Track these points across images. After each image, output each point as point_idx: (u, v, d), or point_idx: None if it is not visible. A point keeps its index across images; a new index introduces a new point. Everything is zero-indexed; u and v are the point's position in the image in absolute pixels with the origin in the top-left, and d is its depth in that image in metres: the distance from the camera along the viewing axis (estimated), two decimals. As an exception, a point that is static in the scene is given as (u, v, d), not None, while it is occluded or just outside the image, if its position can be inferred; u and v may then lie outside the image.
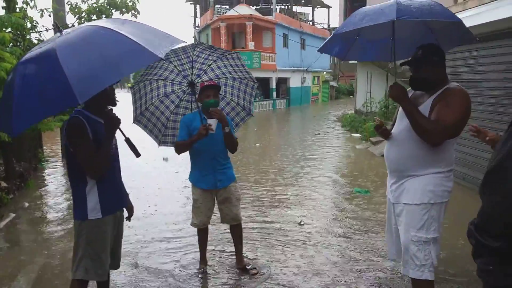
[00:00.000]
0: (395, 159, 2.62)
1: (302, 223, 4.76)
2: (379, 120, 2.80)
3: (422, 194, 2.47)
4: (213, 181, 3.39)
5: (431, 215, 2.47)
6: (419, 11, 2.43)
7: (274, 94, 28.76)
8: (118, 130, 2.44)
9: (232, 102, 3.75)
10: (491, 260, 1.39)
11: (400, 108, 2.67)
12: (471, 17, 5.62)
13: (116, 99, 2.49)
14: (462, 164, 6.30)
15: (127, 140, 2.50)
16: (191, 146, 3.29)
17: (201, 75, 3.60)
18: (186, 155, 3.48)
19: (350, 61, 27.62)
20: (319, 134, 13.78)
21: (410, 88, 2.70)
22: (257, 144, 11.39)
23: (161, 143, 3.73)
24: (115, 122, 2.38)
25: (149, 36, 2.17)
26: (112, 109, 2.43)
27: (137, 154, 2.54)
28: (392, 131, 2.71)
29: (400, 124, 2.62)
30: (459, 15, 5.92)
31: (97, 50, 1.96)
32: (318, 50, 3.23)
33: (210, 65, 3.57)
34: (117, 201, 2.55)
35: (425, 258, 2.45)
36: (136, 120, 3.62)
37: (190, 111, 3.68)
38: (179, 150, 3.38)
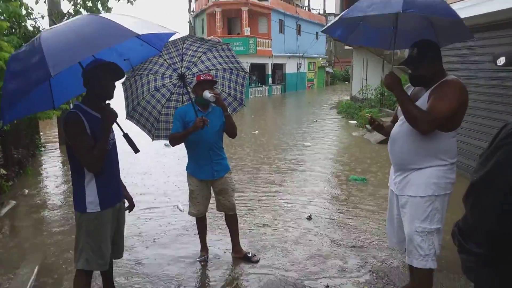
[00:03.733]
0: (399, 152, 2.67)
1: (310, 217, 4.71)
2: (369, 116, 2.86)
3: (426, 187, 2.53)
4: (210, 172, 3.45)
5: (434, 206, 2.53)
6: (424, 5, 2.46)
7: (270, 80, 28.67)
8: (116, 125, 2.47)
9: (224, 93, 3.77)
10: (474, 260, 1.45)
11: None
12: (468, 8, 5.63)
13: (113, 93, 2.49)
14: (457, 153, 6.39)
15: (126, 136, 2.54)
16: (186, 138, 3.33)
17: (191, 67, 3.61)
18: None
19: (346, 47, 27.50)
20: (316, 121, 13.85)
21: (409, 84, 2.75)
22: (255, 132, 11.43)
23: (154, 137, 3.73)
24: (112, 116, 2.40)
25: (136, 21, 2.25)
26: (109, 104, 2.45)
27: (136, 150, 2.57)
28: (394, 126, 2.76)
29: (401, 120, 2.67)
30: (456, 5, 5.98)
31: (75, 31, 2.09)
32: (321, 31, 3.30)
33: (200, 57, 3.59)
34: (115, 194, 2.59)
35: (429, 248, 2.53)
36: (129, 116, 3.62)
37: (182, 104, 3.69)
38: (174, 142, 3.42)
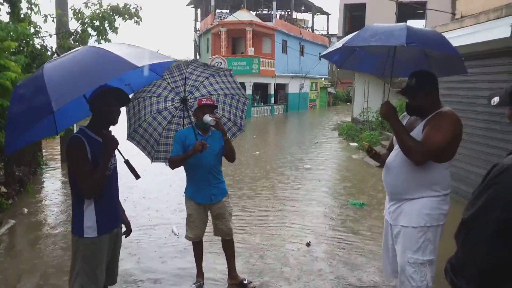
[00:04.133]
0: (392, 182, 2.70)
1: (309, 243, 4.66)
2: (367, 145, 2.90)
3: (419, 217, 2.55)
4: (208, 195, 3.46)
5: (427, 237, 2.54)
6: (427, 39, 2.51)
7: (273, 99, 28.87)
8: (117, 152, 2.50)
9: (224, 118, 3.83)
10: None
11: None
12: (467, 35, 5.74)
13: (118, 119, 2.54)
14: (455, 179, 6.40)
15: (126, 162, 2.57)
16: (186, 161, 3.37)
17: (193, 92, 3.69)
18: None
19: (345, 69, 27.72)
20: (317, 142, 13.89)
21: (405, 113, 2.79)
22: (256, 152, 11.47)
23: (154, 159, 3.78)
24: (113, 144, 2.43)
25: (136, 51, 2.31)
26: (110, 131, 2.48)
27: (137, 176, 2.60)
28: (389, 155, 2.79)
29: (396, 149, 2.70)
30: (456, 33, 6.09)
31: (77, 64, 2.14)
32: (321, 56, 3.35)
33: (203, 81, 3.66)
34: (114, 220, 2.60)
35: (421, 279, 2.52)
36: (130, 137, 3.67)
37: (182, 127, 3.74)
38: (173, 165, 3.45)
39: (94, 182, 2.34)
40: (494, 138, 5.59)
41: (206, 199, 3.47)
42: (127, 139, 3.63)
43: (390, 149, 2.92)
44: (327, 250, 4.51)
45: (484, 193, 1.43)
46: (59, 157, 9.88)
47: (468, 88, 6.34)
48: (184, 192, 3.60)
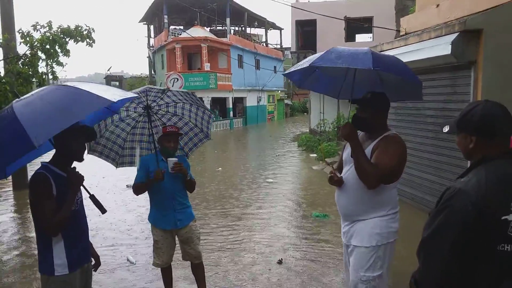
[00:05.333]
0: (344, 204, 2.80)
1: (281, 261, 4.70)
2: (332, 172, 2.87)
3: (370, 237, 2.65)
4: (173, 221, 3.45)
5: (377, 255, 2.66)
6: (390, 65, 2.64)
7: (231, 113, 29.03)
8: (82, 187, 2.47)
9: (190, 123, 3.86)
10: None
11: (345, 154, 2.86)
12: (412, 52, 6.16)
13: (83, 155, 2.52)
14: (410, 186, 6.78)
15: (92, 197, 2.54)
16: (149, 188, 3.37)
17: (157, 101, 3.62)
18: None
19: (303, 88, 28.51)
20: (278, 155, 14.11)
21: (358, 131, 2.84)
22: (219, 169, 11.46)
23: (118, 164, 3.75)
24: (79, 181, 2.42)
25: (103, 89, 2.34)
26: (75, 168, 2.46)
27: (103, 211, 2.57)
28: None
29: (346, 171, 2.78)
30: (402, 50, 6.51)
31: (50, 102, 2.13)
32: (283, 74, 3.45)
33: (166, 92, 3.60)
34: (84, 254, 2.55)
35: None
36: (91, 150, 3.60)
37: (148, 131, 3.61)
38: (137, 191, 3.45)
39: (57, 221, 2.28)
40: (442, 146, 5.99)
41: (171, 225, 3.46)
42: (88, 152, 3.52)
43: (339, 168, 2.99)
44: (299, 265, 4.60)
45: (438, 215, 1.58)
46: (11, 183, 9.31)
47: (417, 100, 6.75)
48: (148, 219, 3.57)
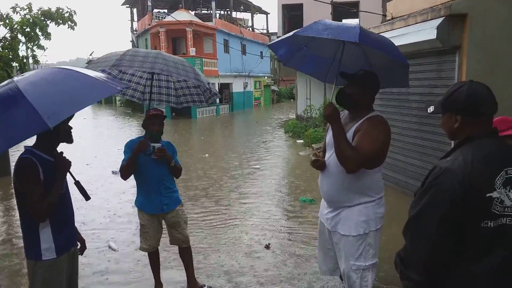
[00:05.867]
0: (327, 190, 2.75)
1: (268, 245, 4.73)
2: (315, 155, 2.82)
3: (357, 225, 2.61)
4: (159, 205, 3.44)
5: (367, 243, 2.64)
6: (378, 42, 2.57)
7: (218, 99, 28.81)
8: (68, 173, 2.43)
9: (198, 88, 3.89)
10: (414, 286, 1.64)
11: (328, 137, 2.79)
12: (398, 37, 6.16)
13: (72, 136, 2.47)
14: (394, 170, 6.88)
15: (77, 183, 2.51)
16: (134, 166, 3.32)
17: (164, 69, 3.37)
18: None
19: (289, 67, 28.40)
20: (265, 141, 14.12)
21: (343, 111, 2.82)
22: (206, 155, 11.42)
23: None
24: (66, 165, 2.38)
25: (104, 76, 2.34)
26: (62, 152, 2.42)
27: (87, 197, 2.56)
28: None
29: (329, 156, 2.70)
30: (388, 34, 6.51)
31: (57, 84, 2.06)
32: (267, 45, 3.34)
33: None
34: (70, 238, 2.54)
35: (364, 285, 2.65)
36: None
37: (148, 94, 3.73)
38: (124, 174, 3.39)
39: (45, 206, 2.25)
40: (427, 131, 6.07)
41: (157, 209, 3.45)
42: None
43: (323, 152, 2.90)
44: (286, 249, 4.65)
45: (425, 194, 1.60)
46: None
47: (402, 85, 6.80)
48: (134, 203, 3.55)
